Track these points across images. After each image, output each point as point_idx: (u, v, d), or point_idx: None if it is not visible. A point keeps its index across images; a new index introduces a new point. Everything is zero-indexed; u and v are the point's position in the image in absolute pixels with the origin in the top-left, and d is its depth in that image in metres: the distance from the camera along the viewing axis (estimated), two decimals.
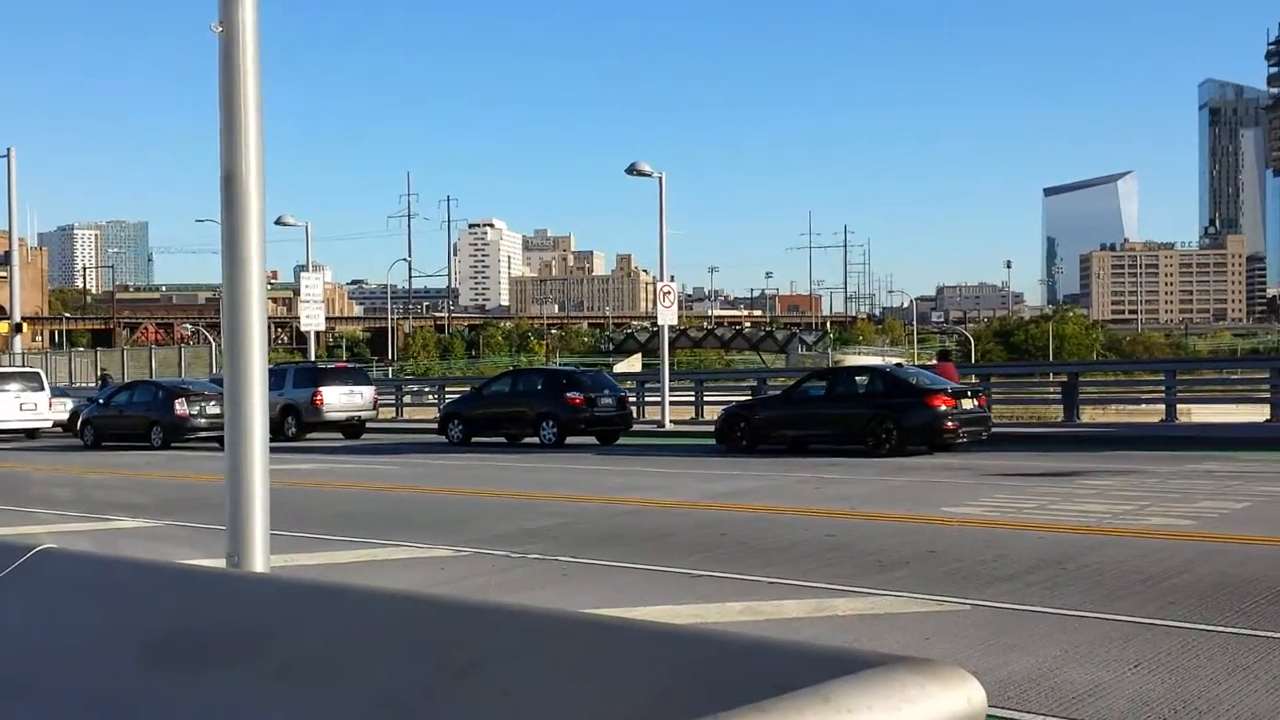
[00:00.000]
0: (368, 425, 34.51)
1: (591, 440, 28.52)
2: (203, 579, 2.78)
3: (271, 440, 5.66)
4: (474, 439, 29.32)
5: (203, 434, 30.59)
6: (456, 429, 29.65)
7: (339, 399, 32.99)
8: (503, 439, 29.20)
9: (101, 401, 33.65)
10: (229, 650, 2.42)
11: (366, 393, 34.32)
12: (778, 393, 27.99)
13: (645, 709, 1.48)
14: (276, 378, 32.29)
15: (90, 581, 2.86)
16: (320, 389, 32.64)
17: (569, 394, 28.26)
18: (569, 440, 28.01)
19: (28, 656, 2.72)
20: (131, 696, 2.50)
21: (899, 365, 28.86)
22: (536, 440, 28.28)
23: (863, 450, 22.43)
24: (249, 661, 2.37)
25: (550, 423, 28.05)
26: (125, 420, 32.07)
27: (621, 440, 28.71)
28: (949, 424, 22.24)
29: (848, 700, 1.29)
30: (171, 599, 2.64)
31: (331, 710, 2.21)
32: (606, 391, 29.26)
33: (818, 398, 24.41)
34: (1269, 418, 27.08)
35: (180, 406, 30.71)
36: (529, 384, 30.16)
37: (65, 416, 38.36)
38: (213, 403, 30.46)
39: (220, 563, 5.62)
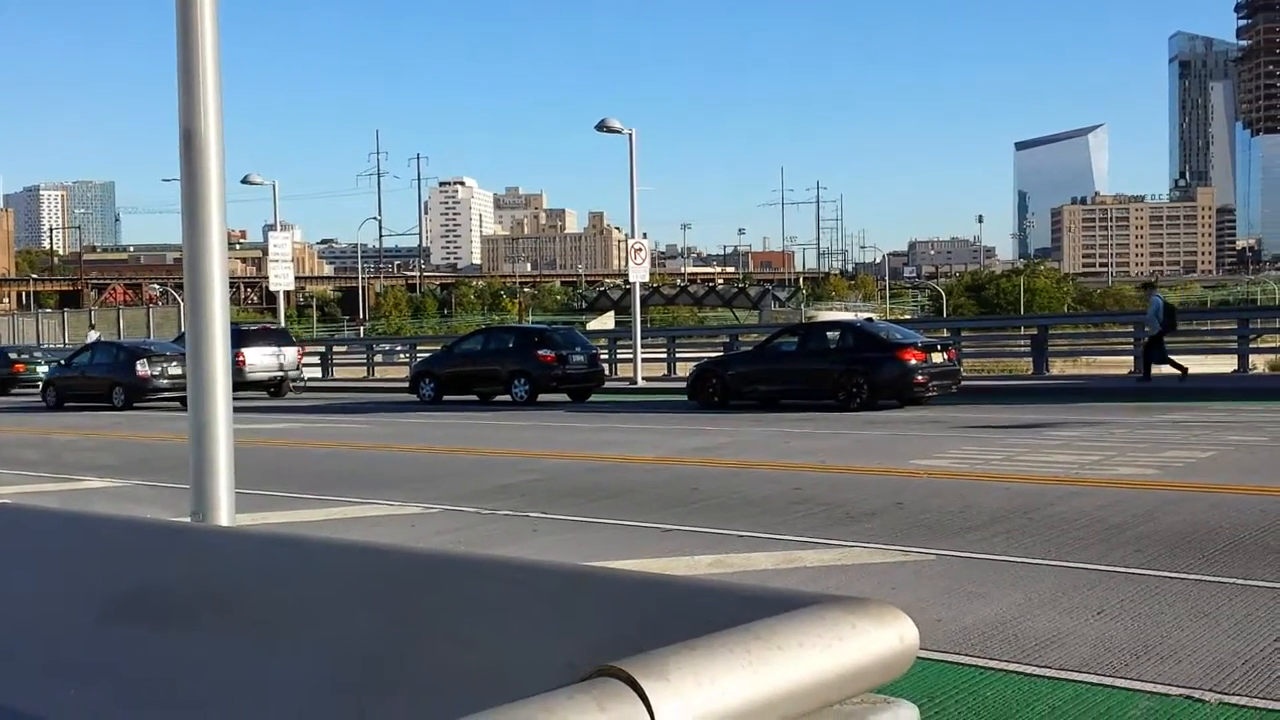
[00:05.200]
0: (304, 384, 36.37)
1: (564, 398, 28.53)
2: (165, 533, 2.78)
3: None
4: (445, 397, 29.27)
5: (165, 394, 30.73)
6: (428, 387, 29.61)
7: (261, 360, 34.03)
8: (475, 397, 29.17)
9: (63, 363, 33.85)
10: (193, 605, 2.42)
11: (290, 353, 35.49)
12: (750, 348, 28.04)
13: (598, 650, 1.49)
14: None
15: (53, 536, 2.85)
16: (242, 350, 33.11)
17: (541, 351, 28.23)
18: (541, 398, 28.01)
19: None
20: (94, 653, 2.50)
21: (869, 320, 28.94)
22: (508, 398, 28.26)
23: (834, 405, 22.52)
24: (213, 615, 2.38)
25: (522, 380, 28.03)
26: (87, 381, 32.22)
27: (594, 397, 28.73)
28: (919, 378, 22.35)
29: (778, 637, 1.30)
30: (134, 554, 2.64)
31: (296, 662, 2.22)
32: (578, 349, 29.25)
33: (789, 353, 24.47)
34: (1236, 368, 27.34)
35: (142, 368, 30.74)
36: (500, 342, 30.08)
37: None
38: (174, 363, 30.55)
39: (186, 520, 5.61)
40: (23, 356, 42.99)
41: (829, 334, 24.99)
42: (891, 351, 22.73)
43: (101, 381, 31.63)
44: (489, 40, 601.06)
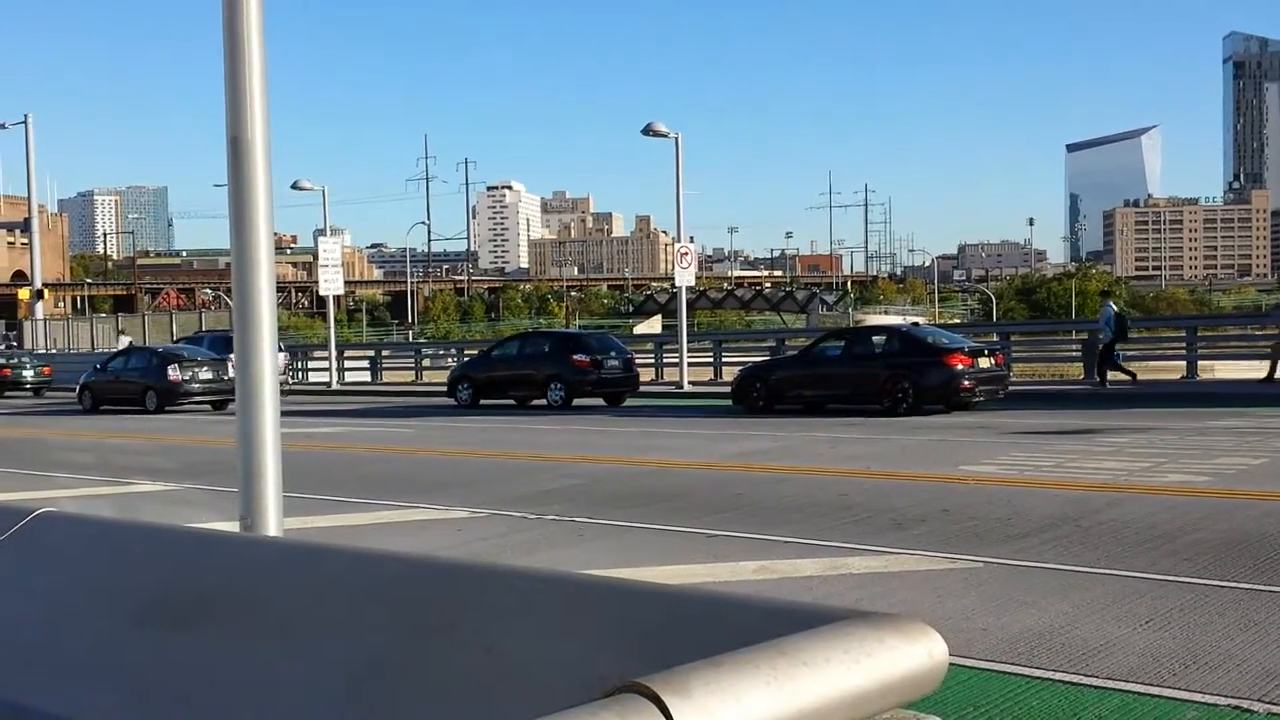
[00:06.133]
0: (291, 388, 37.59)
1: (599, 402, 28.51)
2: (196, 541, 2.81)
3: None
4: (482, 401, 29.36)
5: (195, 398, 31.48)
6: (465, 391, 29.72)
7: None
8: (511, 401, 29.23)
9: (99, 367, 34.58)
10: (219, 609, 2.44)
11: (278, 358, 36.21)
12: (794, 353, 27.94)
13: (619, 663, 1.48)
14: (198, 344, 36.60)
15: (87, 543, 2.88)
16: (231, 354, 33.83)
17: (575, 356, 28.28)
18: (576, 402, 28.03)
19: (26, 616, 2.75)
20: (125, 654, 2.52)
21: (915, 324, 28.76)
22: (544, 402, 28.30)
23: (879, 410, 22.37)
24: (238, 622, 2.39)
25: (557, 385, 28.07)
26: (122, 385, 32.91)
27: (638, 401, 28.70)
28: (965, 383, 22.17)
29: (804, 653, 1.29)
30: (165, 560, 2.67)
31: (318, 669, 2.23)
32: (613, 353, 29.24)
33: (834, 358, 24.33)
34: None
35: (173, 372, 31.31)
36: (536, 346, 30.18)
37: None
38: (205, 368, 31.25)
39: (234, 525, 5.67)
40: (9, 361, 45.30)
41: (875, 338, 24.84)
42: (938, 356, 22.57)
43: (135, 385, 32.28)
44: (536, 44, 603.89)
